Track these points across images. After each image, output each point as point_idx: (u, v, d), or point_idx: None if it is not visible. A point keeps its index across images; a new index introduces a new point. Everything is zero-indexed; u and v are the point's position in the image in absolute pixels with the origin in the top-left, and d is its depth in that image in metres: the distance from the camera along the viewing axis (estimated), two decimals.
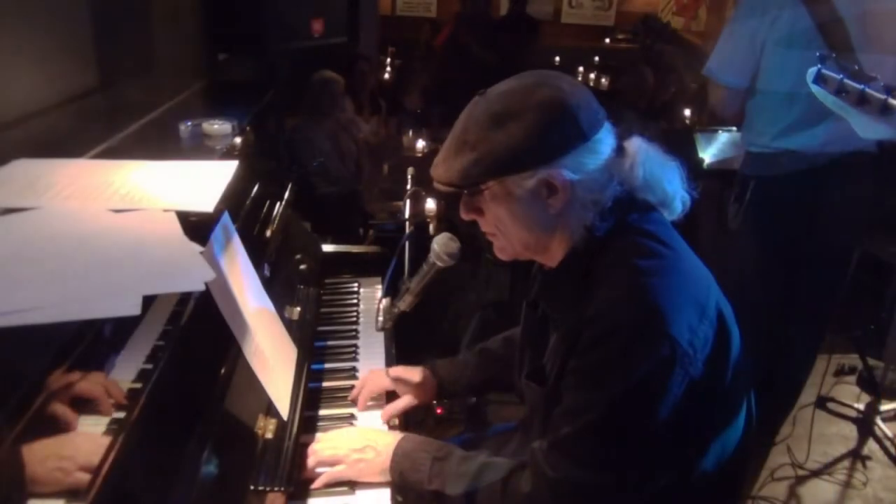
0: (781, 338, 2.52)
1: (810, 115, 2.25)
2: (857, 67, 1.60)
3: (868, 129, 1.63)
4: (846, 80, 1.58)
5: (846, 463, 2.91)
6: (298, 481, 1.27)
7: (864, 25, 2.19)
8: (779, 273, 2.46)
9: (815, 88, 1.62)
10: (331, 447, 1.33)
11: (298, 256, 1.89)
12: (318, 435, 1.41)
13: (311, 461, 1.31)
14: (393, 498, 1.28)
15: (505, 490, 1.17)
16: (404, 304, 1.49)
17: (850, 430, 3.12)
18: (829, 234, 2.39)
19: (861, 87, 1.57)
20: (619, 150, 1.17)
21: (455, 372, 1.61)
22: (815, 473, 2.83)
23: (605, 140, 1.15)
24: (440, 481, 1.22)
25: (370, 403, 1.57)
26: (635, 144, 1.20)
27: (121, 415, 0.90)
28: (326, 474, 1.30)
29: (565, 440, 1.11)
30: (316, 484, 1.29)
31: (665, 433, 1.08)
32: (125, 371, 0.95)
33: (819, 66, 1.60)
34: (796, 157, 2.32)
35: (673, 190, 1.21)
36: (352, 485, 1.30)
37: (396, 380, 1.55)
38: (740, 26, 2.37)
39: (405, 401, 1.54)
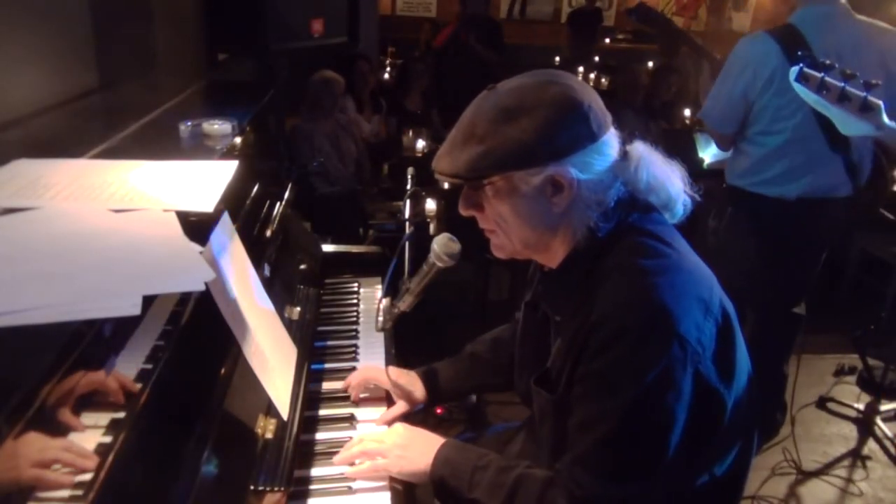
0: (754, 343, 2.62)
1: (792, 172, 2.47)
2: (837, 66, 1.62)
3: (849, 127, 1.65)
4: (827, 79, 1.60)
5: (846, 463, 2.91)
6: (299, 480, 1.27)
7: None
8: (749, 285, 2.56)
9: (797, 87, 1.64)
10: (376, 439, 1.34)
11: (298, 256, 1.89)
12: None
13: (355, 449, 1.32)
14: (393, 499, 1.28)
15: None
16: (404, 304, 1.49)
17: (850, 430, 3.12)
18: (798, 258, 2.59)
19: (842, 84, 1.59)
20: (623, 154, 1.18)
21: (447, 379, 1.60)
22: (815, 473, 2.83)
23: (612, 142, 1.15)
24: (480, 491, 1.22)
25: (367, 396, 1.57)
26: (639, 148, 1.20)
27: (121, 415, 0.90)
28: (369, 466, 1.30)
29: (586, 455, 1.11)
30: (356, 473, 1.30)
31: (681, 435, 1.07)
32: (125, 371, 0.95)
33: (801, 64, 1.62)
34: (774, 201, 2.50)
35: (676, 193, 1.21)
36: (351, 485, 1.30)
37: (395, 384, 1.54)
38: (733, 82, 2.51)
39: (401, 407, 1.54)
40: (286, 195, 1.98)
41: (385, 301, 1.52)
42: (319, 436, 1.44)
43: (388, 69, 6.43)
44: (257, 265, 1.39)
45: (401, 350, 1.75)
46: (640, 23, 5.27)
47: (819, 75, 1.60)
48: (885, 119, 1.61)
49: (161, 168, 1.22)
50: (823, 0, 2.38)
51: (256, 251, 1.46)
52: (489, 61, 5.31)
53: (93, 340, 0.83)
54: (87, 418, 0.85)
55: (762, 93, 2.42)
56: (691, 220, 1.25)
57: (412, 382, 1.57)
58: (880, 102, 1.61)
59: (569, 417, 1.15)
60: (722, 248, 2.66)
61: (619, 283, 1.10)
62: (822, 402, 3.23)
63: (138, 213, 1.03)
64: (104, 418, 0.88)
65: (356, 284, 2.07)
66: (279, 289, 1.58)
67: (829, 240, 2.64)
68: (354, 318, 1.90)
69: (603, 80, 5.95)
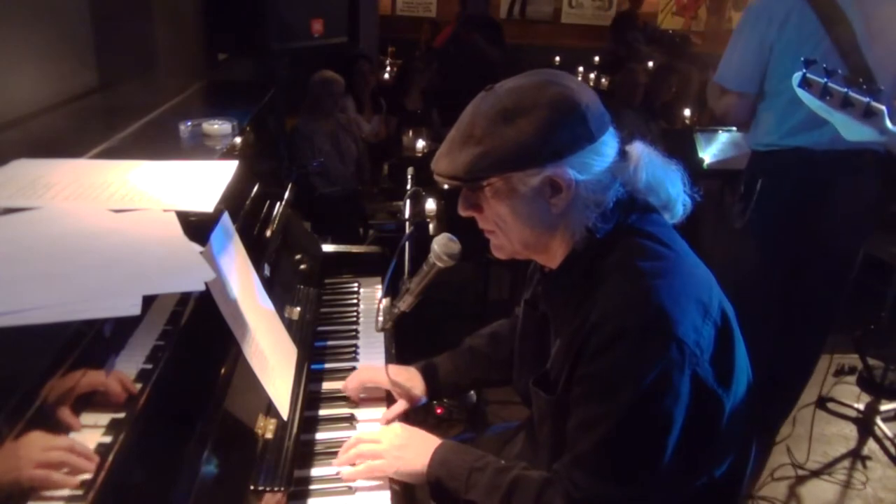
0: (785, 337, 2.53)
1: (819, 115, 2.28)
2: (840, 72, 1.62)
3: (852, 132, 1.65)
4: (830, 84, 1.60)
5: (846, 463, 2.91)
6: (299, 480, 1.27)
7: (868, 25, 2.21)
8: (784, 271, 2.48)
9: (800, 92, 1.64)
10: (373, 439, 1.34)
11: (298, 256, 1.89)
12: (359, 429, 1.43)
13: (352, 452, 1.32)
14: (393, 499, 1.29)
15: None
16: (404, 304, 1.49)
17: (850, 430, 3.12)
18: (835, 232, 2.42)
19: (845, 90, 1.59)
20: (622, 154, 1.17)
21: (447, 374, 1.60)
22: (815, 473, 2.83)
23: (610, 142, 1.15)
24: (477, 493, 1.22)
25: (366, 397, 1.57)
26: (638, 148, 1.20)
27: (121, 415, 0.90)
28: (366, 466, 1.30)
29: (584, 456, 1.11)
30: (353, 474, 1.30)
31: (680, 437, 1.07)
32: (125, 371, 0.95)
33: (804, 70, 1.62)
34: (805, 154, 2.35)
35: (676, 193, 1.21)
36: (351, 485, 1.30)
37: (394, 383, 1.54)
38: (749, 33, 2.41)
39: (402, 405, 1.54)
40: (286, 195, 1.98)
41: (385, 301, 1.52)
42: (319, 436, 1.44)
43: (388, 69, 6.44)
44: (257, 265, 1.39)
45: (401, 350, 1.75)
46: (646, 43, 5.46)
47: (822, 81, 1.61)
48: (889, 124, 1.61)
49: (161, 168, 1.22)
50: None
51: (256, 251, 1.46)
52: (493, 59, 5.31)
53: (93, 340, 0.83)
54: (87, 418, 0.85)
55: (779, 35, 2.30)
56: (693, 223, 1.25)
57: (411, 379, 1.56)
58: (883, 108, 1.61)
59: (568, 418, 1.15)
60: (755, 228, 2.50)
61: (619, 285, 1.10)
62: (822, 402, 3.22)
63: (138, 213, 1.03)
64: (104, 418, 0.88)
65: (356, 284, 2.07)
66: (279, 289, 1.58)
67: (863, 219, 2.46)
68: (354, 318, 1.90)
69: (602, 80, 5.96)
